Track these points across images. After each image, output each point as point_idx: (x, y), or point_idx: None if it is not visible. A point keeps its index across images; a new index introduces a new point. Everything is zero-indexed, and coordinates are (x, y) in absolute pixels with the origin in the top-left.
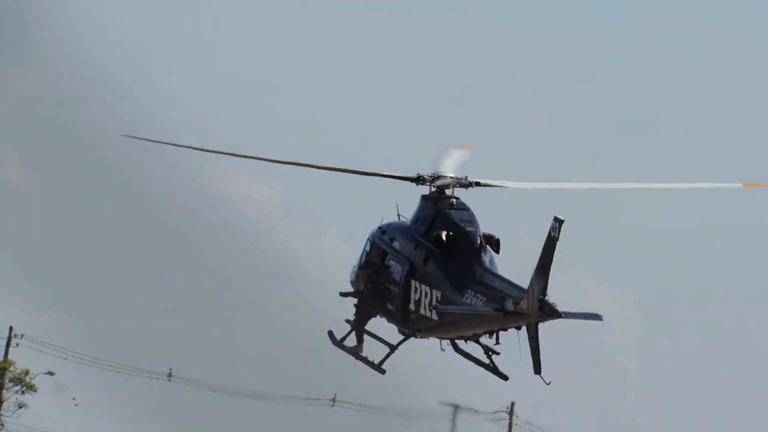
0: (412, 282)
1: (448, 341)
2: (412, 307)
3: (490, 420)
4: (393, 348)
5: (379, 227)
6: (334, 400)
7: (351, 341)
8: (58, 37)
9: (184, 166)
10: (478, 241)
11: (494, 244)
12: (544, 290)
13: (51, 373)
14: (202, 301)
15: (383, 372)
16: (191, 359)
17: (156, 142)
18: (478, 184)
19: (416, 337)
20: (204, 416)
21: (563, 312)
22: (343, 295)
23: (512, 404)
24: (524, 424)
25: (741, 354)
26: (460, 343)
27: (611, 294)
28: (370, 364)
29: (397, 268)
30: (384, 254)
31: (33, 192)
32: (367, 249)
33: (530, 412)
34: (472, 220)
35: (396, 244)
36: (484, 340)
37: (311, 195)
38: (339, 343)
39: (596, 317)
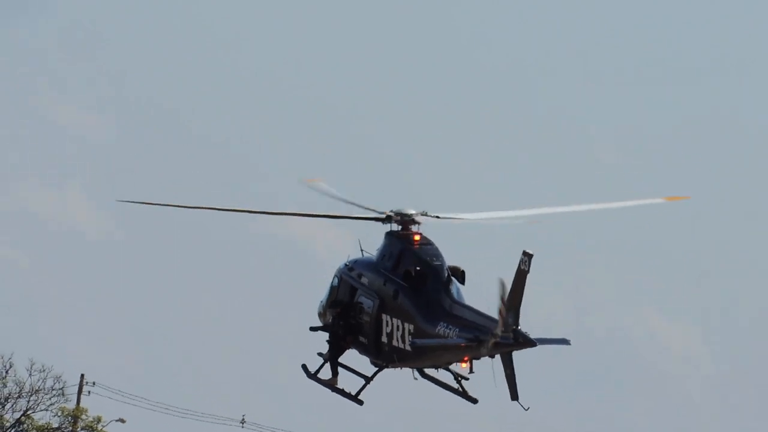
0: (383, 316)
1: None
2: (384, 339)
3: None
4: (368, 379)
5: (346, 264)
6: None
7: (325, 374)
8: None
9: None
10: (446, 275)
11: (459, 275)
12: (516, 321)
13: (122, 421)
14: (277, 347)
15: (361, 403)
16: (265, 404)
17: (151, 204)
18: (437, 217)
19: (389, 367)
20: None
21: (536, 339)
22: (314, 329)
23: None
24: None
25: None
26: (429, 370)
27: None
28: (347, 395)
29: (368, 303)
30: (353, 290)
31: (108, 242)
32: (336, 284)
33: None
34: (437, 255)
35: (364, 280)
36: (453, 366)
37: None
38: (314, 376)
39: (565, 342)
